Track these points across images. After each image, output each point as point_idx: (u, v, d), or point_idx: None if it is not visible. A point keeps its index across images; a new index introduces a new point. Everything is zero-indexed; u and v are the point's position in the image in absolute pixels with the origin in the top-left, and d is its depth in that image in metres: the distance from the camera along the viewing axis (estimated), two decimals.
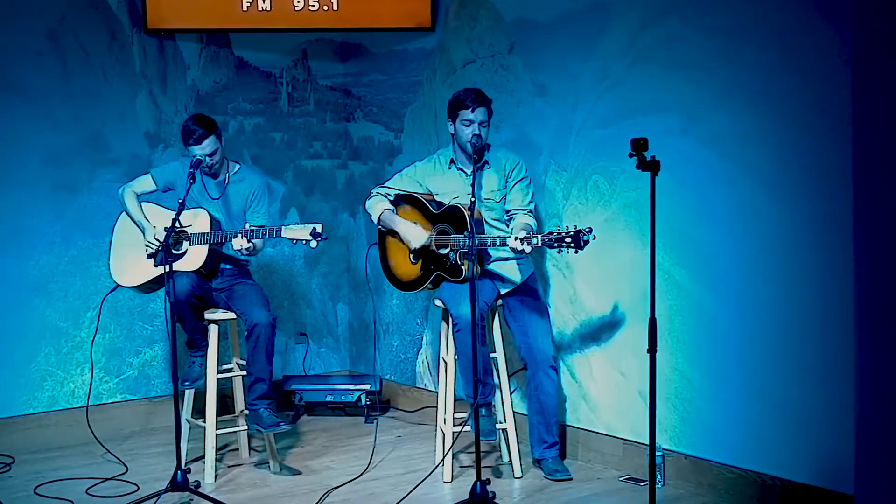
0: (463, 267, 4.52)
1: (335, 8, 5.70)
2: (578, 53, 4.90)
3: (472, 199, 4.28)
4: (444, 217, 4.64)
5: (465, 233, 4.40)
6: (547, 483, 4.66)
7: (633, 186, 4.66)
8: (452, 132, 4.70)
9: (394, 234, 4.79)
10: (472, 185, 4.32)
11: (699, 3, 4.39)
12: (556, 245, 4.18)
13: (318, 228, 4.51)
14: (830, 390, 3.99)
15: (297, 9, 5.68)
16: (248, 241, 4.58)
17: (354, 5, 5.73)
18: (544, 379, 4.71)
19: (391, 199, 4.83)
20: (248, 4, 5.64)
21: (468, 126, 4.59)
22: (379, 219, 4.82)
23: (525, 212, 4.70)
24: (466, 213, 4.46)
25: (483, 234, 4.51)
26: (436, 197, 4.75)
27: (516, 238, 4.24)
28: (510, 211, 4.72)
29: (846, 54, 3.85)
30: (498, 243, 4.39)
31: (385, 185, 4.90)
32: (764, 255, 4.22)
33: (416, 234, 4.69)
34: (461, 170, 4.74)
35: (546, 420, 4.75)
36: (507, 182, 4.71)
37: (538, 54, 5.12)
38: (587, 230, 4.13)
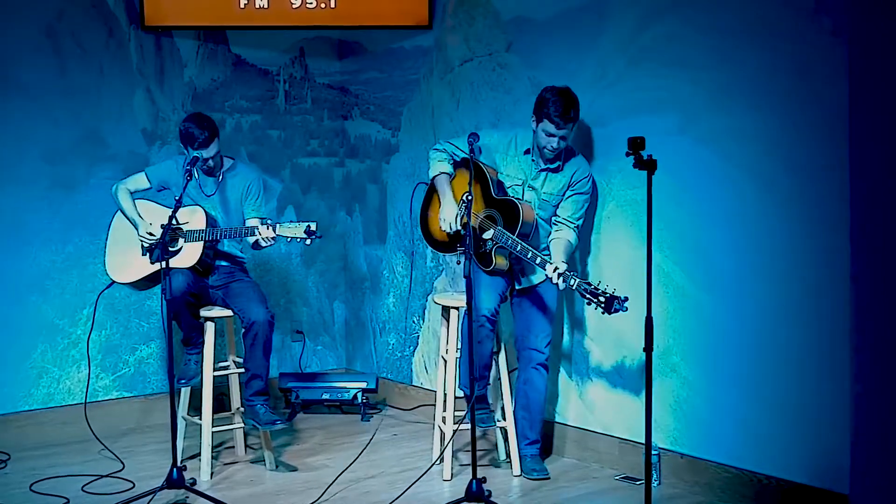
0: (494, 259, 4.52)
1: (332, 6, 5.69)
2: (576, 52, 4.90)
3: (469, 196, 4.27)
4: (499, 205, 4.58)
5: (510, 233, 4.45)
6: (544, 481, 4.66)
7: (631, 185, 4.66)
8: (534, 128, 4.60)
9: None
10: (470, 181, 4.32)
11: (698, 2, 4.39)
12: (588, 297, 4.19)
13: (313, 226, 4.52)
14: (827, 390, 3.99)
15: (294, 6, 5.68)
16: (272, 230, 4.56)
17: (352, 3, 5.72)
18: (534, 374, 4.73)
19: (456, 158, 4.76)
20: (246, 2, 5.63)
21: (549, 137, 4.53)
22: (434, 178, 4.77)
23: (572, 226, 4.64)
24: (520, 212, 4.47)
25: (533, 235, 4.54)
26: (499, 174, 4.71)
27: (556, 269, 4.27)
28: (558, 217, 4.68)
29: (844, 54, 3.85)
30: (537, 262, 4.39)
31: (454, 141, 4.79)
32: (761, 254, 4.22)
33: (450, 216, 4.64)
34: (535, 161, 4.68)
35: (531, 417, 4.77)
36: (568, 188, 4.67)
37: (536, 53, 5.11)
38: (623, 299, 4.12)
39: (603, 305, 4.13)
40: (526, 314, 4.78)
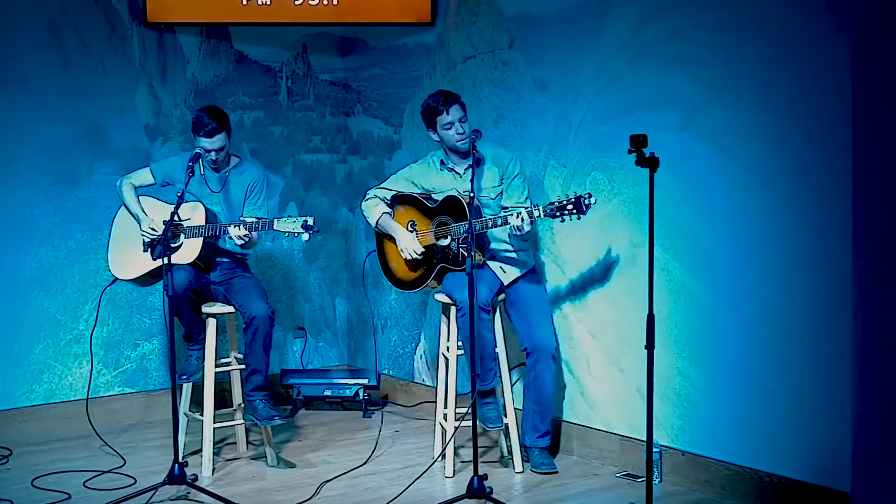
0: (470, 257, 4.53)
1: (335, 2, 5.69)
2: (578, 49, 4.90)
3: (472, 195, 4.29)
4: (441, 209, 4.67)
5: (463, 220, 4.46)
6: (546, 478, 4.66)
7: (633, 182, 4.65)
8: (437, 139, 4.74)
9: (391, 238, 4.84)
10: (472, 178, 4.32)
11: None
12: (558, 214, 4.24)
13: (310, 221, 4.52)
14: (828, 388, 3.99)
15: (297, 3, 5.68)
16: (245, 230, 4.58)
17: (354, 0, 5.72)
18: (545, 369, 4.71)
19: (388, 201, 4.88)
20: None
21: (450, 128, 4.63)
22: (377, 223, 4.86)
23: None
24: (464, 201, 4.50)
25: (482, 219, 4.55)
26: (433, 195, 4.78)
27: (517, 215, 4.29)
28: (507, 208, 4.69)
29: (848, 51, 3.84)
30: (499, 223, 4.42)
31: (380, 186, 4.95)
32: (763, 251, 4.22)
33: (408, 244, 4.73)
34: (453, 170, 4.78)
35: (542, 409, 4.76)
36: (502, 179, 4.72)
37: (538, 49, 5.11)
38: (587, 195, 4.18)
39: (575, 211, 4.19)
40: (521, 310, 4.76)
